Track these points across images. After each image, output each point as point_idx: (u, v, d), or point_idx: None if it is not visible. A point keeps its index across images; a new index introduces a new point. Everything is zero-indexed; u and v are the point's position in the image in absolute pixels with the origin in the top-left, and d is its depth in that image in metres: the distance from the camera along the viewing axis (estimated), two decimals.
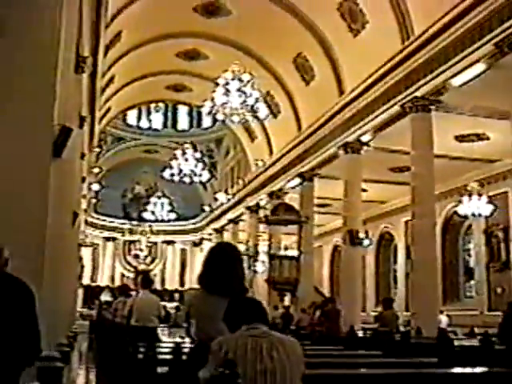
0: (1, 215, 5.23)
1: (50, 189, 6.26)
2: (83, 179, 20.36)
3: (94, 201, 36.44)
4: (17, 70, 5.60)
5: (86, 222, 34.52)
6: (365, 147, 19.60)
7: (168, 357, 5.06)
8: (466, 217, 19.69)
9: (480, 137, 18.65)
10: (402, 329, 14.72)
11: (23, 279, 3.83)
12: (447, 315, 20.35)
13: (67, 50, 9.01)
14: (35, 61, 5.81)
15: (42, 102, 5.80)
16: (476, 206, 18.15)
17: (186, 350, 4.90)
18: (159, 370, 4.78)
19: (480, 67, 14.00)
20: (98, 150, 29.08)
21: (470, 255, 24.40)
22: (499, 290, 20.95)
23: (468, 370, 5.76)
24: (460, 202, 18.62)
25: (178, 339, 9.01)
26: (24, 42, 5.80)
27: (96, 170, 27.01)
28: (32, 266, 5.20)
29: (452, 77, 14.79)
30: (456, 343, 9.37)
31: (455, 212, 21.89)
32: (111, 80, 23.84)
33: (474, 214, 18.48)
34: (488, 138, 18.70)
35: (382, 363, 6.60)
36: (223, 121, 19.18)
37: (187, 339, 5.54)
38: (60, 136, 7.77)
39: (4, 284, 3.84)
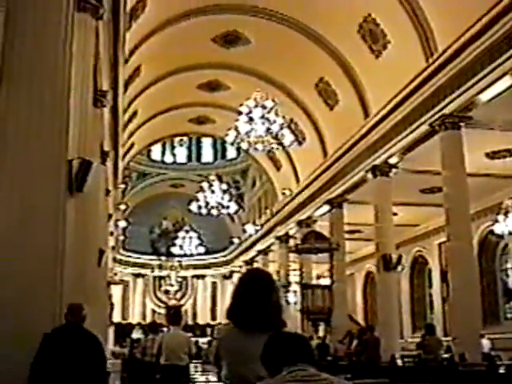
0: (15, 253, 4.92)
1: (69, 225, 5.98)
2: (109, 216, 20.18)
3: (121, 238, 36.31)
4: (27, 102, 5.35)
5: (115, 260, 34.37)
6: (393, 169, 19.17)
7: None
8: (502, 236, 19.10)
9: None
10: (444, 355, 14.15)
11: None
12: (489, 339, 19.64)
13: (84, 83, 8.83)
14: (46, 94, 5.55)
15: (54, 136, 5.53)
16: None
17: None
18: None
19: (507, 80, 13.57)
20: (123, 186, 29.02)
21: (507, 275, 23.69)
22: None
23: None
24: (496, 220, 18.05)
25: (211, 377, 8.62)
26: (35, 75, 5.55)
27: (122, 207, 26.89)
28: (49, 306, 4.88)
29: (480, 92, 14.38)
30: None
31: (491, 231, 21.24)
32: (133, 115, 23.81)
33: (510, 233, 17.89)
34: None
35: None
36: (247, 150, 18.96)
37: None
38: (79, 170, 7.54)
39: (83, 338, 5.00)
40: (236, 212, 30.17)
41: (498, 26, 13.08)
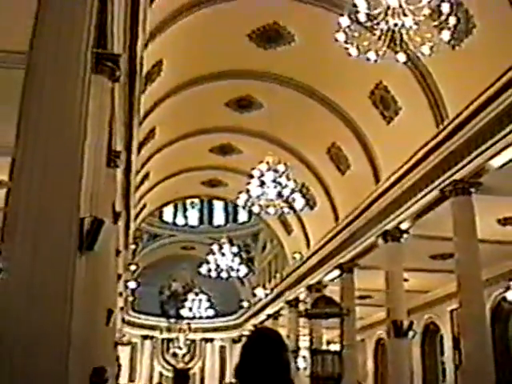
0: (23, 308, 4.92)
1: (78, 283, 5.99)
2: (119, 276, 20.14)
3: (130, 298, 36.14)
4: (42, 159, 5.44)
5: (123, 321, 34.10)
6: (404, 235, 19.11)
7: None
8: None
9: None
10: None
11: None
12: None
13: (98, 143, 8.98)
14: (61, 151, 5.64)
15: (67, 193, 5.59)
16: None
17: None
18: None
19: None
20: (133, 247, 29.04)
21: None
22: None
23: None
24: (508, 287, 17.84)
25: None
26: (51, 133, 5.66)
27: (132, 268, 26.84)
28: (56, 364, 4.84)
29: (490, 158, 14.43)
30: None
31: (503, 298, 20.97)
32: (146, 177, 24.01)
33: None
34: None
35: None
36: (259, 213, 19.01)
37: None
38: (91, 228, 7.58)
39: None
40: (246, 275, 30.06)
41: (508, 93, 13.23)
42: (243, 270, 27.28)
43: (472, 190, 15.24)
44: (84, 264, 7.54)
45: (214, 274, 26.42)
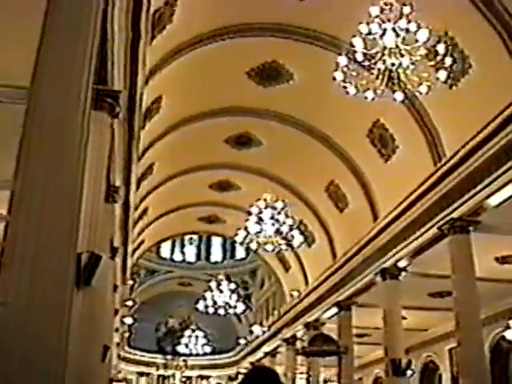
0: (18, 340, 4.90)
1: (74, 318, 5.96)
2: (116, 312, 20.02)
3: (127, 334, 35.83)
4: (40, 192, 5.46)
5: (119, 357, 33.78)
6: (403, 273, 19.06)
7: None
8: None
9: None
10: None
11: None
12: None
13: (97, 178, 9.02)
14: (60, 185, 5.67)
15: (65, 228, 5.60)
16: None
17: None
18: None
19: None
20: (131, 282, 28.91)
21: None
22: None
23: None
24: (507, 326, 17.71)
25: None
26: (50, 166, 5.69)
27: (129, 303, 26.68)
28: None
29: (488, 197, 14.48)
30: None
31: (503, 337, 20.82)
32: (144, 212, 24.01)
33: None
34: None
35: None
36: (257, 250, 18.96)
37: None
38: (88, 263, 7.59)
39: None
40: (243, 312, 29.89)
41: (504, 132, 13.35)
42: (240, 306, 27.13)
43: (470, 228, 15.27)
44: (81, 299, 7.52)
45: (211, 310, 26.27)
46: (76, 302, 6.40)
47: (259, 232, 16.39)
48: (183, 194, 25.62)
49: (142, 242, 28.75)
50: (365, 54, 8.49)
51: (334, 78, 8.80)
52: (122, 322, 26.79)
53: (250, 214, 16.68)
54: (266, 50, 17.09)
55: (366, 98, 9.07)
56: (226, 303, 26.44)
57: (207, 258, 44.18)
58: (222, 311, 26.01)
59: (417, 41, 8.47)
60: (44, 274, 5.27)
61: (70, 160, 5.89)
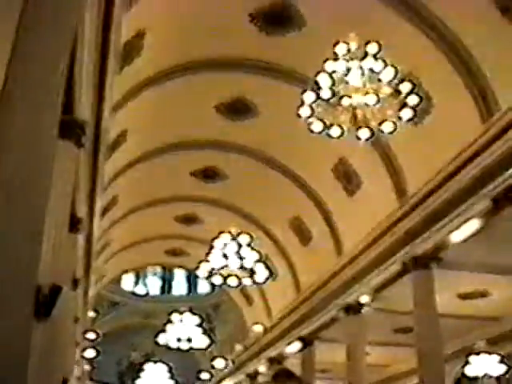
0: None
1: (33, 351, 5.86)
2: (77, 344, 19.68)
3: (88, 368, 35.10)
4: (3, 221, 5.40)
5: None
6: (366, 308, 19.10)
7: None
8: (476, 378, 18.61)
9: (483, 294, 18.25)
10: None
11: None
12: None
13: (60, 209, 8.94)
14: (22, 215, 5.61)
15: (25, 259, 5.54)
16: (485, 366, 17.13)
17: None
18: None
19: (477, 223, 13.93)
20: (93, 314, 28.44)
21: None
22: None
23: None
24: (467, 362, 17.59)
25: None
26: (13, 196, 5.64)
27: (92, 336, 26.17)
28: None
29: (450, 233, 14.68)
30: None
31: (462, 374, 20.81)
32: (108, 243, 23.79)
33: (485, 375, 17.41)
34: (491, 295, 18.29)
35: None
36: (220, 285, 18.82)
37: None
38: (48, 294, 7.48)
39: None
40: (208, 347, 29.52)
41: (466, 170, 13.60)
42: (204, 340, 26.81)
43: (432, 264, 15.41)
44: (41, 331, 7.39)
45: (173, 344, 25.89)
46: (35, 335, 6.29)
47: (223, 267, 16.28)
48: (148, 227, 25.47)
49: (105, 274, 28.42)
50: (331, 89, 8.56)
51: (299, 115, 8.82)
52: (82, 357, 26.28)
53: (212, 248, 16.60)
54: (234, 85, 17.21)
55: (330, 136, 9.02)
56: (189, 337, 26.11)
57: (171, 291, 43.79)
58: (184, 345, 25.67)
59: (380, 80, 8.59)
60: (2, 304, 5.19)
61: (33, 189, 5.86)
